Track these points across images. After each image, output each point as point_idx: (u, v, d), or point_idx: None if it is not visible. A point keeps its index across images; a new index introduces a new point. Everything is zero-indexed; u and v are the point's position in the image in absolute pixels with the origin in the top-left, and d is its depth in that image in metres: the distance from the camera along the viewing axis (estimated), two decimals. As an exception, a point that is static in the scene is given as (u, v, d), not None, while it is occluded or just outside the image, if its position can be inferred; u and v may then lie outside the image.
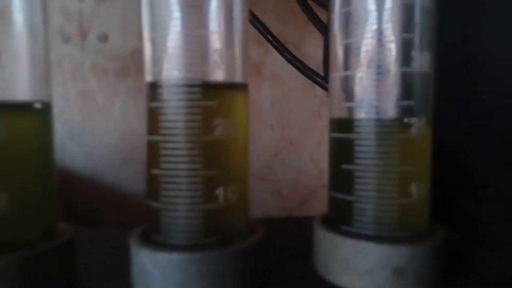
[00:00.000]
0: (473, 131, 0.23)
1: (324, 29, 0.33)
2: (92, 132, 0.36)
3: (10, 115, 0.16)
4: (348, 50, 0.17)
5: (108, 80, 0.36)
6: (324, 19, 0.33)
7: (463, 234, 0.22)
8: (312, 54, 0.36)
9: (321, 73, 0.30)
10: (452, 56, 0.23)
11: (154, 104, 0.16)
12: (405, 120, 0.16)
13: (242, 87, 0.17)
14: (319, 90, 0.36)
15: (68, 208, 0.36)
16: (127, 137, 0.36)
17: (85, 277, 0.18)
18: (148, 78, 0.17)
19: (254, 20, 0.29)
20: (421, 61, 0.16)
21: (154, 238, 0.17)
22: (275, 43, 0.30)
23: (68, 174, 0.37)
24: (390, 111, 0.16)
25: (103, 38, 0.36)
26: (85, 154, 0.36)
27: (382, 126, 0.16)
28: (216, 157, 0.16)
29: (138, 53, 0.35)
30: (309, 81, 0.36)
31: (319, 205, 0.38)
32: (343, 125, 0.18)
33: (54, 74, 0.19)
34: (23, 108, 0.16)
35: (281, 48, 0.30)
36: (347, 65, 0.18)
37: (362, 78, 0.17)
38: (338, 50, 0.18)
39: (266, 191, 0.37)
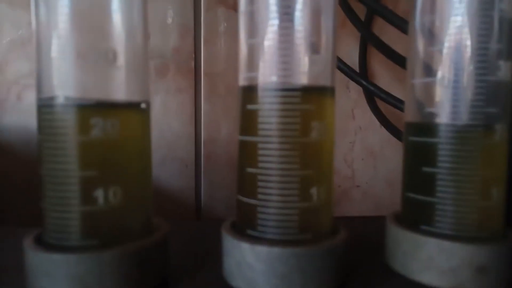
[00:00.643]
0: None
1: (362, 26, 0.34)
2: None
3: (125, 114, 0.16)
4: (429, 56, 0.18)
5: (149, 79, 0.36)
6: (361, 16, 0.34)
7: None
8: (346, 56, 0.37)
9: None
10: None
11: (251, 107, 0.17)
12: (488, 126, 0.17)
13: (332, 91, 0.18)
14: (353, 92, 0.37)
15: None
16: (166, 135, 0.37)
17: (177, 269, 0.19)
18: (244, 82, 0.18)
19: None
20: (505, 70, 0.17)
21: (249, 232, 0.17)
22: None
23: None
24: (472, 117, 0.17)
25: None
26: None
27: (465, 132, 0.17)
28: (311, 158, 0.17)
29: (178, 52, 0.36)
30: (343, 83, 0.37)
31: (352, 206, 0.39)
32: (423, 130, 0.19)
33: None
34: (135, 108, 0.17)
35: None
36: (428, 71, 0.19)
37: (446, 84, 0.18)
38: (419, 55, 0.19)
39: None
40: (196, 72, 0.36)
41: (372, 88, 0.33)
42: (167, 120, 0.37)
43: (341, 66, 0.31)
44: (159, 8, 0.35)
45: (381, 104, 0.36)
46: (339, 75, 0.33)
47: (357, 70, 0.36)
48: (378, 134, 0.38)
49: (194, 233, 0.24)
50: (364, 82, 0.33)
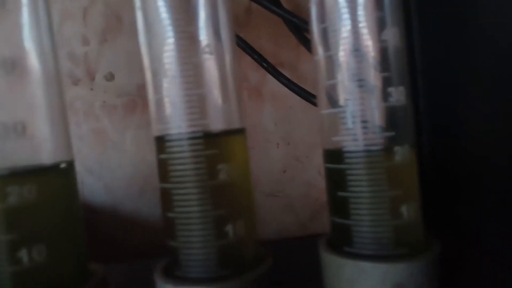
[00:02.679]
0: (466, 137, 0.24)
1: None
2: (108, 166, 0.38)
3: (41, 178, 0.18)
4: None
5: (118, 116, 0.38)
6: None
7: (458, 238, 0.24)
8: (309, 72, 0.38)
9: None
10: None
11: (163, 156, 0.18)
12: (388, 149, 0.18)
13: (240, 132, 0.19)
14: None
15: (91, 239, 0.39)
16: (141, 168, 0.38)
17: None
18: (156, 133, 0.19)
19: (248, 48, 0.31)
20: (397, 95, 0.18)
21: (176, 273, 0.18)
22: (270, 69, 0.31)
23: (88, 207, 0.39)
24: (372, 142, 0.18)
25: (110, 77, 0.38)
26: (104, 187, 0.38)
27: (367, 156, 0.18)
28: (223, 198, 0.18)
29: (143, 88, 0.37)
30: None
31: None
32: (333, 156, 0.19)
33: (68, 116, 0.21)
34: (52, 170, 0.18)
35: (276, 74, 0.31)
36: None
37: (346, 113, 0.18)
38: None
39: (279, 207, 0.39)
40: None
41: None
42: (141, 154, 0.38)
43: (297, 90, 0.31)
44: (122, 48, 0.37)
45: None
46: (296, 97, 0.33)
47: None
48: None
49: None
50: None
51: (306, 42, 0.32)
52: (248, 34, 0.36)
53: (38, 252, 0.17)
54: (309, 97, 0.31)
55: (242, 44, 0.31)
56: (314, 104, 0.31)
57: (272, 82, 0.38)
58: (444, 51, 0.27)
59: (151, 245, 0.38)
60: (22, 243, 0.17)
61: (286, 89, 0.36)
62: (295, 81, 0.32)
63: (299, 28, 0.32)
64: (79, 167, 0.37)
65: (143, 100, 0.37)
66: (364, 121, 0.18)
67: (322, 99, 0.20)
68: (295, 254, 0.26)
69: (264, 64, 0.31)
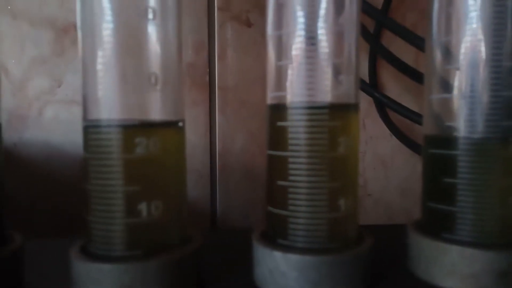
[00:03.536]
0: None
1: (371, 39, 0.35)
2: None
3: (165, 133, 0.17)
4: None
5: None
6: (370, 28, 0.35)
7: None
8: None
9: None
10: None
11: (281, 124, 0.18)
12: (505, 138, 0.18)
13: (357, 107, 0.19)
14: (363, 101, 0.38)
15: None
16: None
17: (209, 277, 0.20)
18: (273, 100, 0.19)
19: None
20: None
21: (280, 241, 0.18)
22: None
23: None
24: (489, 130, 0.18)
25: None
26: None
27: (482, 144, 0.18)
28: (338, 171, 0.18)
29: (192, 66, 0.37)
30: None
31: (364, 213, 0.40)
32: (442, 143, 0.20)
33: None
34: (173, 126, 0.18)
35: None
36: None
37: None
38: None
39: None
40: (210, 86, 0.37)
41: (383, 98, 0.34)
42: (184, 133, 0.38)
43: None
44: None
45: (391, 114, 0.37)
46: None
47: (367, 81, 0.37)
48: (389, 144, 0.39)
49: (217, 243, 0.25)
50: (375, 93, 0.34)
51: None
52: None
53: (155, 207, 0.17)
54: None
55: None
56: (364, 90, 0.32)
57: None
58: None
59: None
60: (141, 196, 0.16)
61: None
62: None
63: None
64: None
65: (192, 79, 0.37)
66: (480, 108, 0.18)
67: (432, 82, 0.20)
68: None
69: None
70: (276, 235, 0.19)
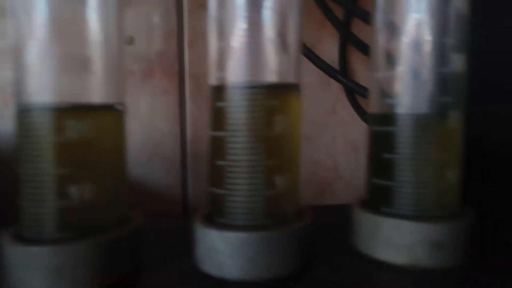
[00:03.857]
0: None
1: (340, 26, 0.35)
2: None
3: (100, 116, 0.18)
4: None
5: (134, 82, 0.38)
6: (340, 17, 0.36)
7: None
8: (328, 54, 0.38)
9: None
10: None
11: (220, 104, 0.18)
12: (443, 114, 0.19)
13: (297, 87, 0.19)
14: (334, 87, 0.38)
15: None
16: (152, 136, 0.38)
17: (153, 259, 0.20)
18: (213, 81, 0.19)
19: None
20: (458, 62, 0.18)
21: (218, 220, 0.19)
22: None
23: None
24: (428, 105, 0.18)
25: (130, 41, 0.38)
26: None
27: (421, 120, 0.18)
28: (275, 150, 0.18)
29: (162, 54, 0.37)
30: (324, 79, 0.38)
31: (336, 195, 0.40)
32: (384, 119, 0.20)
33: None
34: (108, 109, 0.18)
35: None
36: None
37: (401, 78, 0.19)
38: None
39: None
40: (180, 74, 0.38)
41: (351, 84, 0.34)
42: (154, 121, 0.38)
43: (322, 65, 0.32)
44: (143, 13, 0.36)
45: (361, 100, 0.37)
46: (321, 72, 0.34)
47: (338, 68, 0.37)
48: (359, 128, 0.39)
49: (173, 228, 0.25)
50: (343, 80, 0.34)
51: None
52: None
53: (88, 189, 0.17)
54: (331, 71, 0.32)
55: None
56: (335, 78, 0.32)
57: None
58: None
59: (155, 212, 0.38)
60: (73, 179, 0.17)
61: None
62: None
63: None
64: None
65: (161, 68, 0.37)
66: (420, 85, 0.19)
67: (377, 59, 0.20)
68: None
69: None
70: (216, 215, 0.19)
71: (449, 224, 0.18)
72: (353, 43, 0.36)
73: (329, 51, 0.38)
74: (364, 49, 0.33)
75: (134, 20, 0.37)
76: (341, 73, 0.35)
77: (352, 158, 0.40)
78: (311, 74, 0.37)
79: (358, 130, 0.39)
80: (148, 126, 0.38)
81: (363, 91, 0.33)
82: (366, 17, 0.29)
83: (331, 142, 0.40)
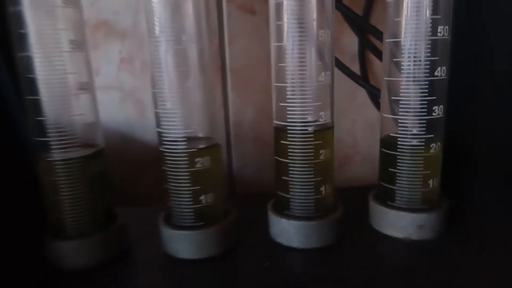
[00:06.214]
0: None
1: (359, 31, 0.41)
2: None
3: (211, 151, 0.29)
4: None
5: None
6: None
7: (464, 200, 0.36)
8: (348, 47, 0.44)
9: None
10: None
11: (283, 142, 0.29)
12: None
13: (332, 128, 0.30)
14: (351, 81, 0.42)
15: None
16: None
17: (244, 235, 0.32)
18: (277, 124, 0.30)
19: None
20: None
21: (285, 212, 0.30)
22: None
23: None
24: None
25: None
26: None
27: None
28: (320, 170, 0.29)
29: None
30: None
31: (354, 168, 0.48)
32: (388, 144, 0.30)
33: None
34: (216, 145, 0.29)
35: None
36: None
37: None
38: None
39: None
40: (222, 68, 0.44)
41: (374, 91, 0.41)
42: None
43: (347, 72, 0.40)
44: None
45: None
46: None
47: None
48: (376, 111, 0.43)
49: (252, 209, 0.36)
50: (366, 86, 0.41)
51: None
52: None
53: (210, 197, 0.29)
54: (358, 79, 0.40)
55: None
56: (362, 85, 0.41)
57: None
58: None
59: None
60: (202, 191, 0.28)
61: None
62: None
63: None
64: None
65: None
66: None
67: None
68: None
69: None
70: (283, 207, 0.31)
71: (427, 213, 0.30)
72: (370, 50, 0.43)
73: (351, 43, 0.44)
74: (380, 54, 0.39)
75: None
76: (364, 80, 0.42)
77: (370, 136, 0.47)
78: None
79: (376, 113, 0.43)
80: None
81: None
82: (378, 34, 0.36)
83: (352, 123, 0.47)
